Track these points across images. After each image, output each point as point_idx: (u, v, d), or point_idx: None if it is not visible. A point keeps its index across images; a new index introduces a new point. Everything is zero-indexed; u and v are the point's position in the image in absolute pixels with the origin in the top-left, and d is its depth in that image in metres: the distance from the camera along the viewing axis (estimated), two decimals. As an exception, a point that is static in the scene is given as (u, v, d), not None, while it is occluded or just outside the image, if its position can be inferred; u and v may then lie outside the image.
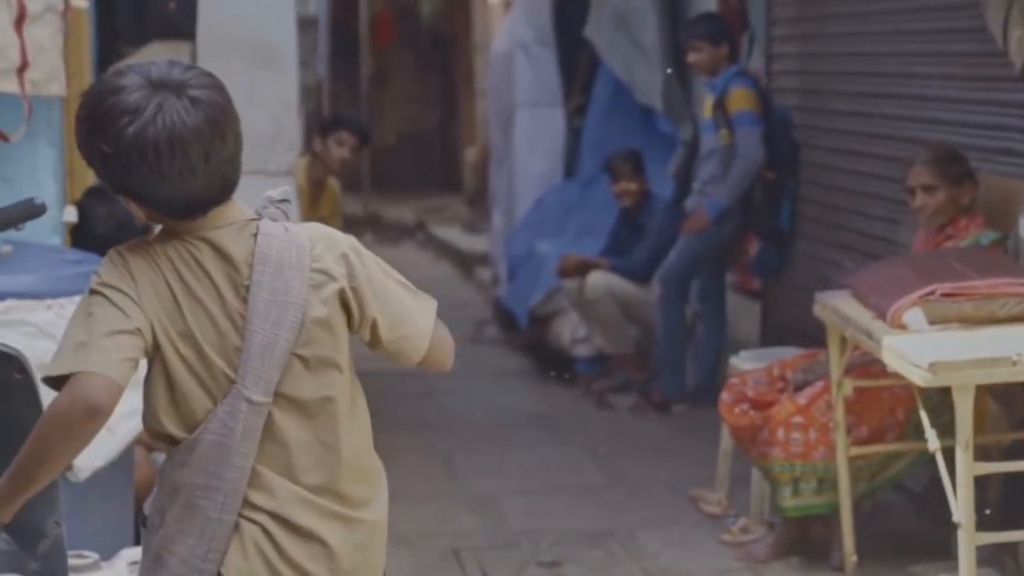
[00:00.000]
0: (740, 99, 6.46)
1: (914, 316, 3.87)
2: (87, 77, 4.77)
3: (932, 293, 3.90)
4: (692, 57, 6.68)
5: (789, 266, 6.80)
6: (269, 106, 5.34)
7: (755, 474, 4.82)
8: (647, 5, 8.39)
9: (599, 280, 7.06)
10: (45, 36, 3.88)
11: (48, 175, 3.98)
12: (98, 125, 2.09)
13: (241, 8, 5.30)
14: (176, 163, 2.06)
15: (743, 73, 6.67)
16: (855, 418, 4.40)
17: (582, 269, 7.18)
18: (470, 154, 13.84)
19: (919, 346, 3.72)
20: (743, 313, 7.76)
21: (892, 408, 4.44)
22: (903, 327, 3.88)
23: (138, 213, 2.14)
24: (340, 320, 2.19)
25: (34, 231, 3.95)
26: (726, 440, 5.06)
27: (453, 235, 13.02)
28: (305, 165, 6.68)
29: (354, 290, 2.19)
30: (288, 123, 5.41)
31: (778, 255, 6.78)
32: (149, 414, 2.17)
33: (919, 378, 3.62)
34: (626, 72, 8.45)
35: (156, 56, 5.38)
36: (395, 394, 7.26)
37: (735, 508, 5.04)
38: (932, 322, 3.87)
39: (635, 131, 8.60)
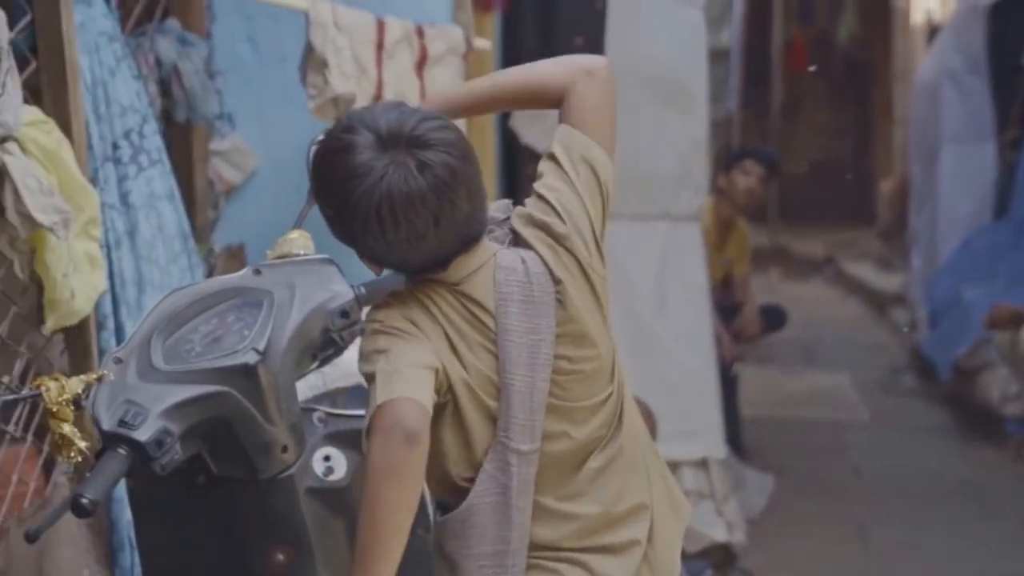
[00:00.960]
0: None
1: None
2: (490, 119, 4.60)
3: None
4: None
5: None
6: (677, 146, 5.03)
7: None
8: (1097, 29, 7.62)
9: (1036, 334, 6.38)
10: (445, 79, 3.71)
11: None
12: (324, 185, 1.99)
13: (651, 44, 5.01)
14: (401, 231, 1.94)
15: None
16: None
17: (1015, 321, 6.50)
18: (885, 186, 13.17)
19: None
20: None
21: None
22: None
23: (373, 269, 2.06)
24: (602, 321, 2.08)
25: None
26: None
27: (865, 272, 12.38)
28: (711, 205, 6.35)
29: (570, 240, 2.06)
30: (696, 164, 5.07)
31: None
32: (437, 464, 2.01)
33: None
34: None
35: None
36: (805, 448, 6.82)
37: None
38: None
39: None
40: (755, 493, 5.67)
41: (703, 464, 5.01)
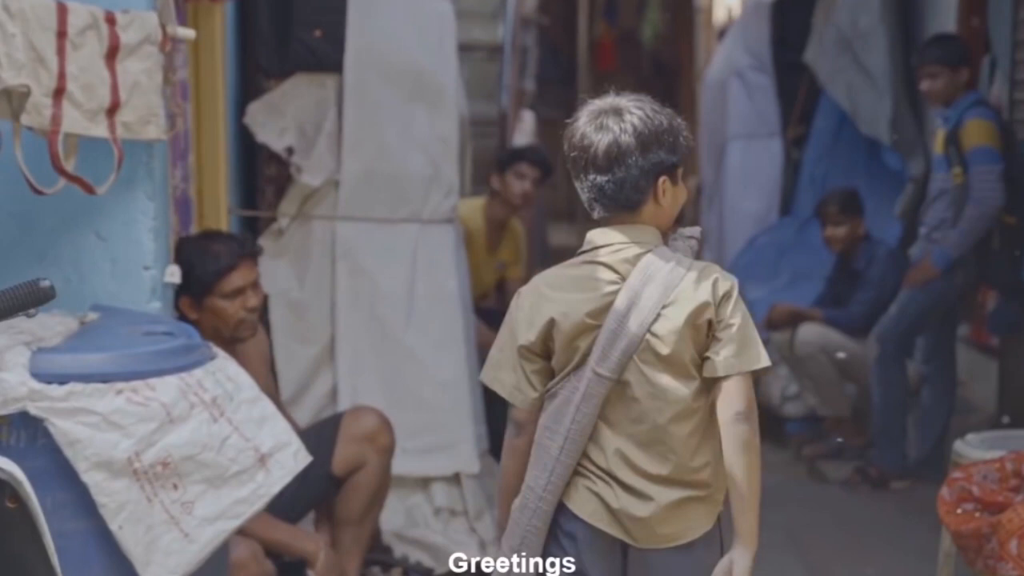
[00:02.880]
0: (977, 133, 5.62)
1: None
2: (221, 116, 4.29)
3: None
4: (927, 85, 5.84)
5: (1032, 324, 5.92)
6: (426, 145, 4.76)
7: (984, 585, 4.01)
8: (876, 27, 7.60)
9: (812, 334, 6.31)
10: (140, 72, 3.39)
11: (146, 231, 3.47)
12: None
13: (395, 36, 4.74)
14: (587, 164, 2.59)
15: (981, 103, 5.83)
16: (1111, 531, 3.58)
17: (793, 320, 6.43)
18: (690, 185, 13.17)
19: None
20: (977, 371, 6.89)
21: None
22: None
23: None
24: (688, 338, 2.57)
25: (130, 295, 3.49)
26: (948, 539, 4.26)
27: (667, 270, 12.30)
28: (482, 205, 6.12)
29: (709, 321, 2.58)
30: (446, 164, 4.79)
31: (1019, 311, 5.90)
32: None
33: None
34: (850, 101, 7.67)
35: (300, 90, 4.92)
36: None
37: (961, 622, 4.23)
38: None
39: (859, 166, 7.84)
40: (524, 504, 5.45)
41: (456, 480, 4.77)
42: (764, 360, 2.58)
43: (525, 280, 6.50)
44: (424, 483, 4.77)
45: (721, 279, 2.59)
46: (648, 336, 2.55)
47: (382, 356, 4.73)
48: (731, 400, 2.56)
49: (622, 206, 2.60)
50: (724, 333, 2.56)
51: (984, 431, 4.73)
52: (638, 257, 2.59)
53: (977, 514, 3.85)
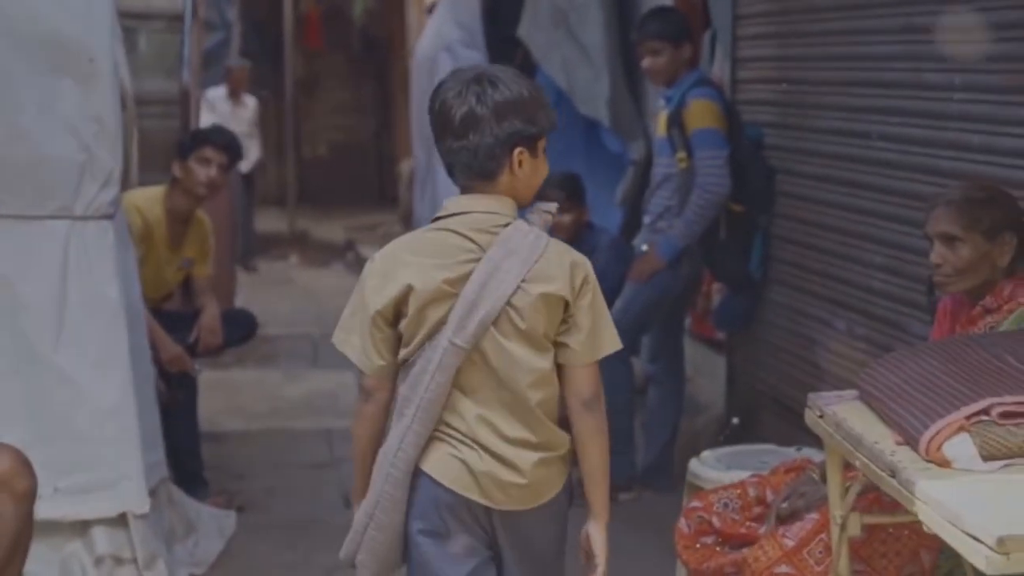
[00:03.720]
0: (701, 114, 5.23)
1: (961, 447, 2.61)
2: None
3: (987, 411, 2.65)
4: (648, 62, 5.40)
5: (760, 319, 5.58)
6: (76, 127, 4.02)
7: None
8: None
9: (531, 331, 5.82)
10: None
11: None
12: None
13: (30, -3, 4.00)
14: (445, 130, 2.66)
15: (704, 82, 5.44)
16: (864, 566, 3.19)
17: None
18: (406, 167, 12.73)
19: (974, 499, 2.46)
20: (705, 367, 6.55)
21: (915, 551, 3.21)
22: (944, 463, 2.62)
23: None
24: (542, 313, 2.63)
25: None
26: (684, 571, 3.80)
27: (383, 258, 11.82)
28: (161, 196, 5.40)
29: (566, 303, 2.65)
30: (103, 148, 4.05)
31: (747, 305, 5.56)
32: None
33: (981, 560, 2.35)
34: (566, 79, 7.27)
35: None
36: (291, 468, 6.06)
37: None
38: (988, 457, 2.61)
39: (578, 149, 7.43)
40: (211, 537, 4.79)
41: (122, 521, 4.09)
42: (614, 345, 2.69)
43: (215, 280, 5.94)
44: (82, 528, 4.08)
45: (580, 264, 2.66)
46: (507, 308, 2.61)
47: (25, 379, 4.01)
48: (579, 388, 2.69)
49: (477, 174, 2.65)
50: (579, 320, 2.65)
51: (719, 447, 4.32)
52: (495, 228, 2.63)
53: (718, 548, 3.41)
